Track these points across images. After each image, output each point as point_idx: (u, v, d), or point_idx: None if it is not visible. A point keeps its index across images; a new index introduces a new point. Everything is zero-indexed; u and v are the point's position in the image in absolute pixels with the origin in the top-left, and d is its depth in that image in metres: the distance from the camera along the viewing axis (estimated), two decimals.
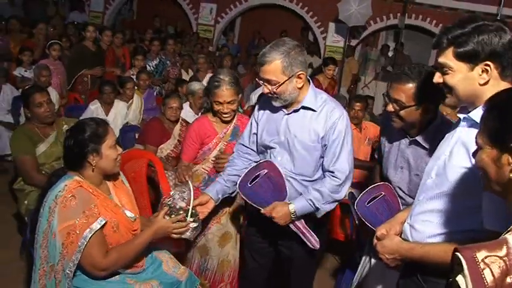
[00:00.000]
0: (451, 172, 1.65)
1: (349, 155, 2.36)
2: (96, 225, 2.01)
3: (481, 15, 1.62)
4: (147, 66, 6.63)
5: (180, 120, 4.18)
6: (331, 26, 11.00)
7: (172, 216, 2.25)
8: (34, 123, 3.27)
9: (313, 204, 2.33)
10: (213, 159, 2.92)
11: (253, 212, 2.55)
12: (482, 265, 1.04)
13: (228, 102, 2.78)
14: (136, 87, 5.45)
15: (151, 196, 3.34)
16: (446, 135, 1.79)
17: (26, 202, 3.17)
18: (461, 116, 1.68)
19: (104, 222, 2.04)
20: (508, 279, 1.03)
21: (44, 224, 2.03)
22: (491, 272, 1.03)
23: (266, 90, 2.29)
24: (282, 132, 2.39)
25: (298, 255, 2.55)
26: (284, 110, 2.40)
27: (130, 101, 5.21)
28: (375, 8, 9.76)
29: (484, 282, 1.02)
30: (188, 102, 4.86)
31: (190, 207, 2.27)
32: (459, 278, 1.06)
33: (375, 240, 1.88)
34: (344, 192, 2.39)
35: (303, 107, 2.36)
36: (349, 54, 10.34)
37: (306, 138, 2.35)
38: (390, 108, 2.22)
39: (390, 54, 10.81)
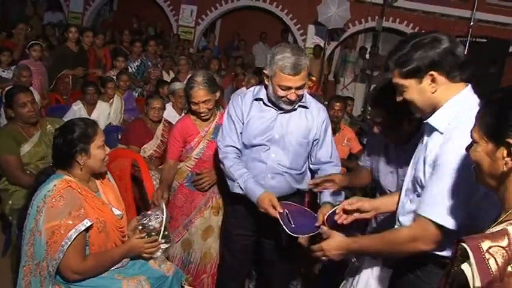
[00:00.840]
0: (417, 177, 1.77)
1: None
2: (81, 227, 2.05)
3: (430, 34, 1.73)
4: (129, 67, 6.63)
5: (163, 120, 4.23)
6: (311, 28, 11.14)
7: (145, 237, 2.33)
8: (18, 124, 3.26)
9: (340, 191, 2.54)
10: (196, 157, 2.99)
11: (235, 209, 2.66)
12: (487, 255, 1.09)
13: (203, 102, 2.89)
14: (116, 88, 5.45)
15: (136, 194, 3.38)
16: (421, 141, 1.89)
17: (10, 202, 3.16)
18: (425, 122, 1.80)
19: (89, 224, 2.08)
20: (509, 268, 1.08)
21: (31, 222, 2.07)
22: (496, 261, 1.08)
23: (294, 97, 2.38)
24: (276, 130, 2.49)
25: (280, 248, 2.65)
26: (276, 108, 2.49)
27: (111, 100, 5.22)
28: (353, 11, 9.94)
29: (489, 271, 1.07)
30: (171, 103, 4.92)
31: (162, 229, 2.35)
32: (464, 267, 1.11)
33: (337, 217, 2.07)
34: None
35: (300, 106, 2.50)
36: (317, 54, 10.43)
37: (302, 134, 2.50)
38: (376, 130, 2.32)
39: (368, 56, 11.00)
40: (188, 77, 5.94)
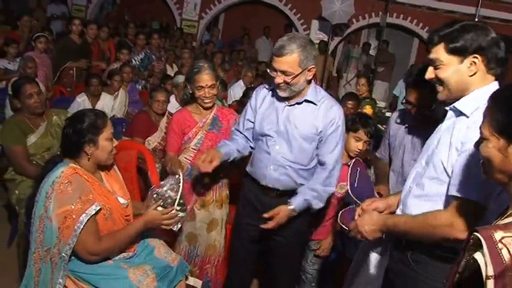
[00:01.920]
0: (436, 159, 1.79)
1: (341, 150, 2.58)
2: (92, 211, 2.09)
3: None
4: (133, 60, 6.64)
5: (167, 113, 4.26)
6: (314, 23, 11.12)
7: (162, 205, 2.33)
8: (24, 114, 3.29)
9: (310, 202, 2.53)
10: (194, 147, 3.00)
11: (245, 199, 2.69)
12: (500, 245, 1.11)
13: (209, 87, 2.90)
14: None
15: (141, 186, 3.41)
16: (438, 127, 1.92)
17: (17, 192, 3.19)
18: (447, 107, 1.83)
19: (98, 208, 2.12)
20: None
21: (41, 209, 2.09)
22: (508, 251, 1.10)
23: (279, 81, 2.40)
24: (282, 122, 2.52)
25: (290, 241, 2.67)
26: (285, 101, 2.53)
27: (116, 93, 5.25)
28: (357, 6, 9.91)
29: (502, 260, 1.10)
30: (174, 96, 4.95)
31: (178, 197, 2.35)
32: (477, 256, 1.13)
33: (357, 215, 2.03)
34: (334, 183, 2.60)
35: (306, 100, 2.50)
36: (322, 50, 10.37)
37: (306, 129, 2.50)
38: (413, 111, 2.41)
39: (372, 51, 10.99)
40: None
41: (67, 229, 2.05)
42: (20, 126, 3.22)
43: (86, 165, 2.23)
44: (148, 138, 4.09)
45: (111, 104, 5.12)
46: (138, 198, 3.06)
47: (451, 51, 1.72)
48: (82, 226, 2.06)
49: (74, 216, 2.05)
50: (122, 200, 2.34)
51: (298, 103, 2.52)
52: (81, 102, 4.84)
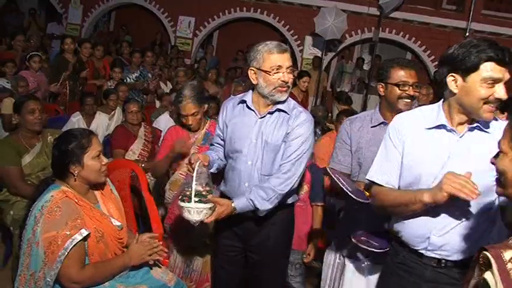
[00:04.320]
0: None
1: (301, 158, 2.38)
2: (78, 237, 2.06)
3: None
4: (127, 78, 6.65)
5: (143, 124, 4.43)
6: (308, 39, 11.21)
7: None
8: (19, 134, 3.28)
9: (254, 202, 2.33)
10: (187, 162, 2.98)
11: (224, 221, 2.49)
12: (509, 265, 1.12)
13: (192, 115, 3.07)
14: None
15: (135, 204, 3.40)
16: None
17: (11, 212, 3.16)
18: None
19: (86, 234, 2.09)
20: None
21: (29, 233, 2.08)
22: None
23: (287, 78, 2.35)
24: (255, 135, 2.41)
25: (267, 261, 2.56)
26: (257, 113, 2.44)
27: (113, 112, 5.25)
28: (350, 22, 10.03)
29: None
30: (168, 112, 5.09)
31: (193, 187, 2.18)
32: (488, 276, 1.14)
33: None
34: (286, 187, 2.37)
35: (278, 109, 2.41)
36: (316, 66, 10.39)
37: (278, 140, 2.39)
38: None
39: (365, 66, 11.07)
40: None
41: (52, 254, 2.03)
42: (14, 146, 3.20)
43: (75, 186, 2.21)
44: (131, 147, 4.19)
45: (106, 122, 5.11)
46: (132, 216, 3.05)
47: None
48: (66, 253, 2.03)
49: (59, 242, 2.02)
50: (116, 222, 2.30)
51: (270, 113, 2.42)
52: (76, 121, 4.83)
